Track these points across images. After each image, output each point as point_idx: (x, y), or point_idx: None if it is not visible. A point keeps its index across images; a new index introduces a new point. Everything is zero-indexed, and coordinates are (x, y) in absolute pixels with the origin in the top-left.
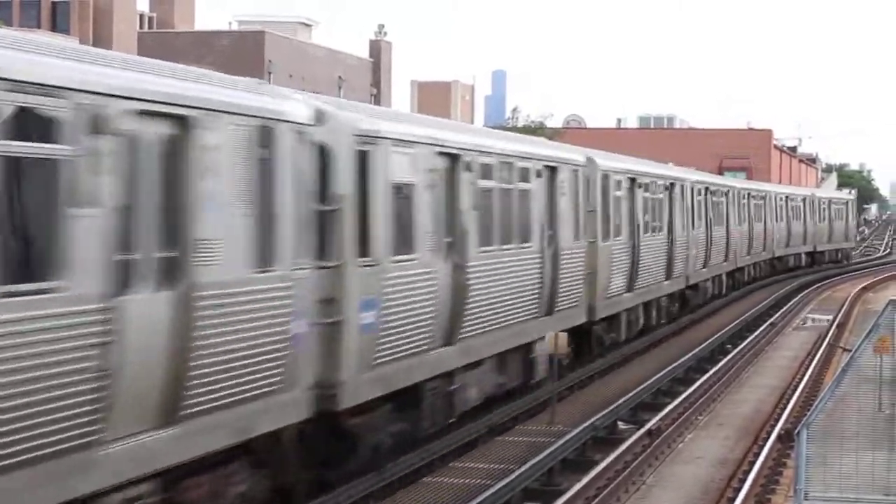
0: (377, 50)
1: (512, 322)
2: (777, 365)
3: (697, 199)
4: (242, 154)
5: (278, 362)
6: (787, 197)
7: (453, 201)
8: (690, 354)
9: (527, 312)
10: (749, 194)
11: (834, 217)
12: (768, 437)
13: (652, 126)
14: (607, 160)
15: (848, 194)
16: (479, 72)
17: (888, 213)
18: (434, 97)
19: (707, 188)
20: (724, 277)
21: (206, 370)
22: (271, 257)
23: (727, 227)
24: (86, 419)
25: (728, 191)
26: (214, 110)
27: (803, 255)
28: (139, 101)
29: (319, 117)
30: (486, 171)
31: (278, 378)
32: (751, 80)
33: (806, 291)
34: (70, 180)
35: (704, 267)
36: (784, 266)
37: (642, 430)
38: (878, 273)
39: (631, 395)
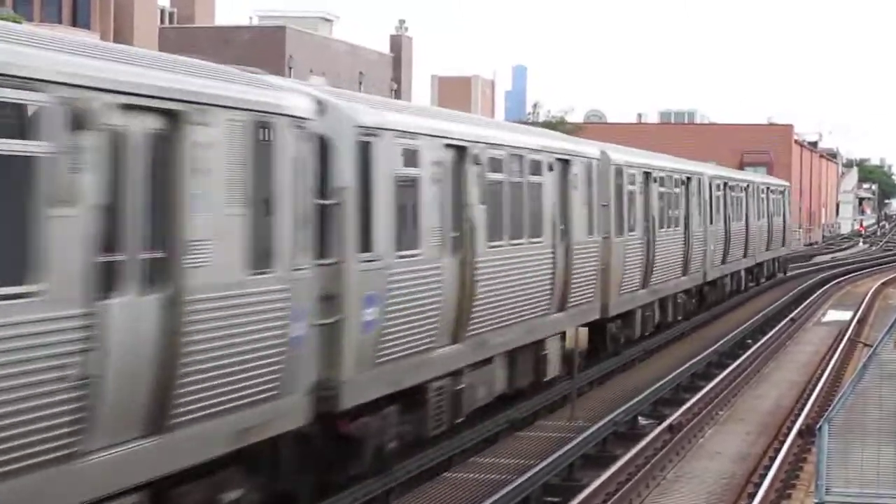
0: (398, 45)
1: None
2: (797, 360)
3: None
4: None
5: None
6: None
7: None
8: (710, 350)
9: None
10: (768, 188)
11: (773, 212)
12: (789, 433)
13: (672, 121)
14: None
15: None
16: (500, 67)
17: None
18: (454, 92)
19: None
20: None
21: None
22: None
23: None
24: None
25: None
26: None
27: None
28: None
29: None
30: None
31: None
32: (772, 74)
33: (826, 287)
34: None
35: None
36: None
37: (663, 426)
38: None
39: (651, 390)
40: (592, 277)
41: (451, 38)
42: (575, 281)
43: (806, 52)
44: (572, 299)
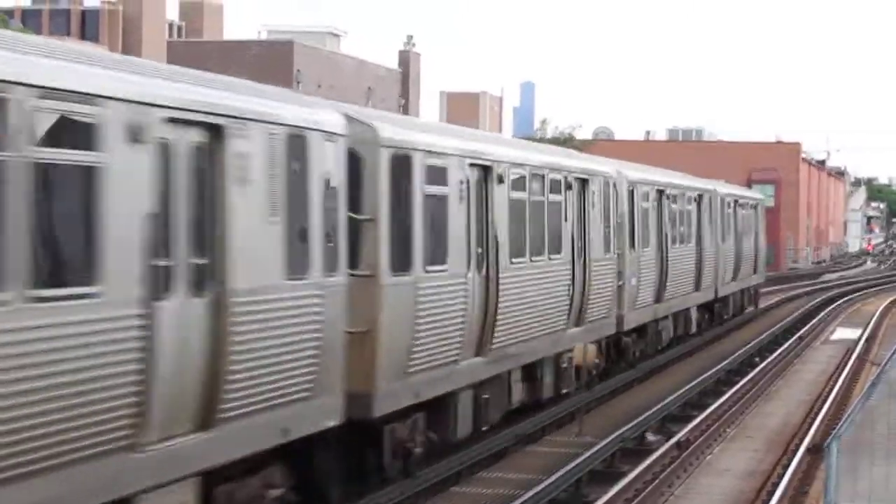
0: (406, 60)
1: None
2: (805, 378)
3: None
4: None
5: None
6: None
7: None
8: (719, 367)
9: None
10: (735, 202)
11: (741, 231)
12: (797, 450)
13: (680, 138)
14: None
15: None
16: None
17: None
18: (463, 108)
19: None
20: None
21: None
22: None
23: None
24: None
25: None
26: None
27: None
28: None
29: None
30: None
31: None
32: (780, 93)
33: (834, 305)
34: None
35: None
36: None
37: (671, 442)
38: None
39: (659, 406)
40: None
41: (460, 55)
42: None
43: (814, 71)
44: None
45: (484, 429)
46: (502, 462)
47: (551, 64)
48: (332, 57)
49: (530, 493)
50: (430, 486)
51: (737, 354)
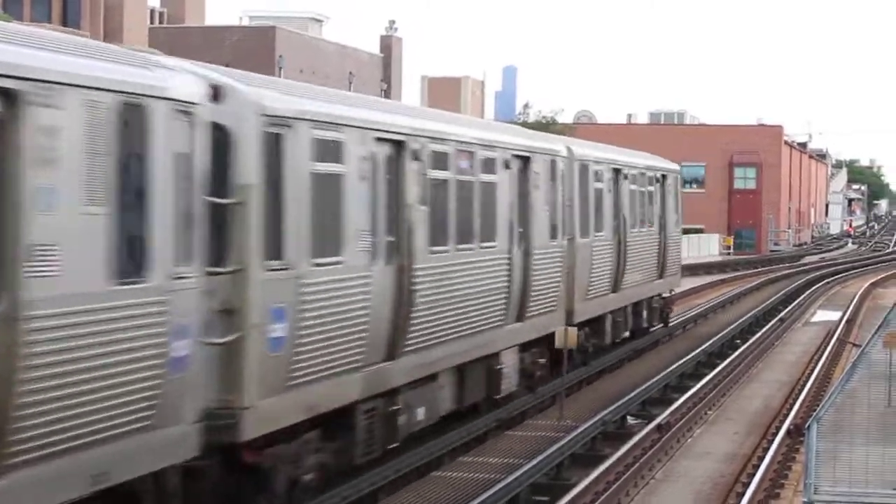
0: (388, 45)
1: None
2: (786, 360)
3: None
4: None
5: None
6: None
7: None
8: (699, 350)
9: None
10: (641, 174)
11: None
12: (777, 432)
13: (662, 122)
14: (586, 149)
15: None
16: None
17: None
18: (444, 92)
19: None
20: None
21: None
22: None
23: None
24: None
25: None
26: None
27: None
28: None
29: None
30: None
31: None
32: (762, 75)
33: (815, 287)
34: None
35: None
36: None
37: (651, 425)
38: (887, 269)
39: (640, 390)
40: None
41: (441, 39)
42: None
43: (796, 54)
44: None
45: (394, 445)
46: (483, 446)
47: (533, 48)
48: (314, 42)
49: (512, 477)
50: (412, 470)
51: (718, 336)
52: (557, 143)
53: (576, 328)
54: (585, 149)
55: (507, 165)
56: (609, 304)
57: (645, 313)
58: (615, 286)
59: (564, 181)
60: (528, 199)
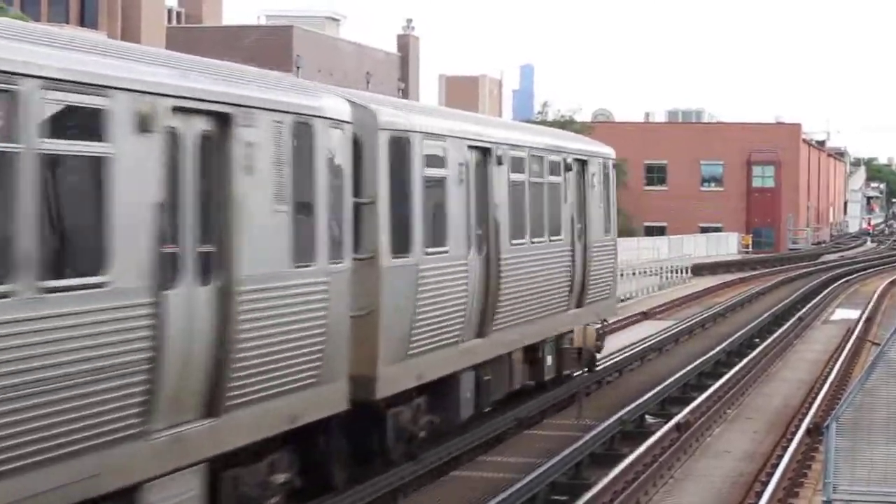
0: (405, 44)
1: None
2: (806, 359)
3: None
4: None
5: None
6: None
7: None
8: (718, 348)
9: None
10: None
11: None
12: (797, 431)
13: (680, 120)
14: (409, 114)
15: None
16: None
17: None
18: (462, 91)
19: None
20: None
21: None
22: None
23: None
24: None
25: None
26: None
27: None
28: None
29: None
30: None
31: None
32: (780, 74)
33: (834, 285)
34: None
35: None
36: None
37: (670, 424)
38: None
39: (659, 388)
40: (323, 337)
41: (459, 38)
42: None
43: (814, 52)
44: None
45: (486, 410)
46: (502, 445)
47: (551, 46)
48: (332, 41)
49: (530, 477)
50: (432, 470)
51: (737, 335)
52: (333, 101)
53: (594, 328)
54: (406, 111)
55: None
56: (466, 356)
57: (549, 359)
58: (482, 327)
59: (356, 164)
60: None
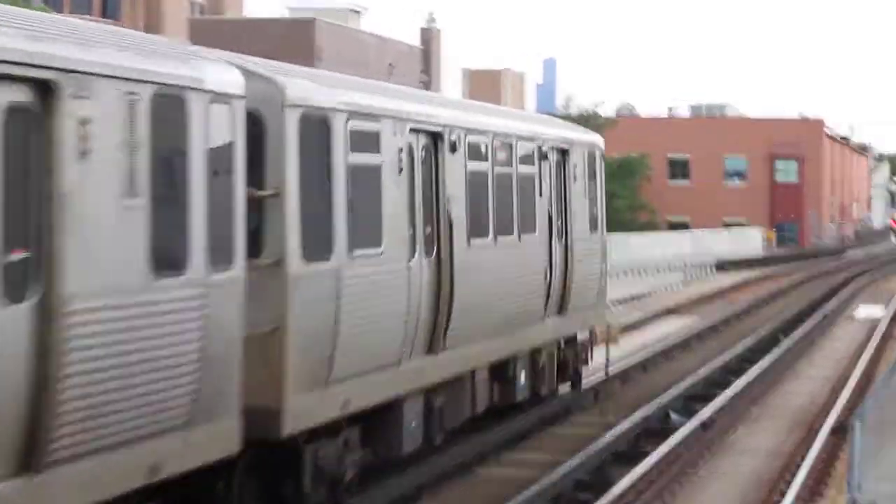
0: (427, 37)
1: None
2: (830, 356)
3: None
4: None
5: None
6: None
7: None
8: (742, 345)
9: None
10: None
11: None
12: (821, 429)
13: (704, 115)
14: (333, 89)
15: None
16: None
17: None
18: (485, 85)
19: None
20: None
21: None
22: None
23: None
24: None
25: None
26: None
27: None
28: None
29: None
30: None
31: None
32: (803, 68)
33: (858, 282)
34: None
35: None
36: None
37: (694, 422)
38: None
39: (683, 386)
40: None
41: (482, 31)
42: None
43: (838, 47)
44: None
45: (436, 443)
46: (525, 443)
47: (574, 40)
48: (354, 34)
49: (554, 475)
50: (454, 468)
51: (760, 332)
52: (209, 65)
53: (619, 326)
54: (327, 87)
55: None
56: (411, 378)
57: (522, 376)
58: (432, 343)
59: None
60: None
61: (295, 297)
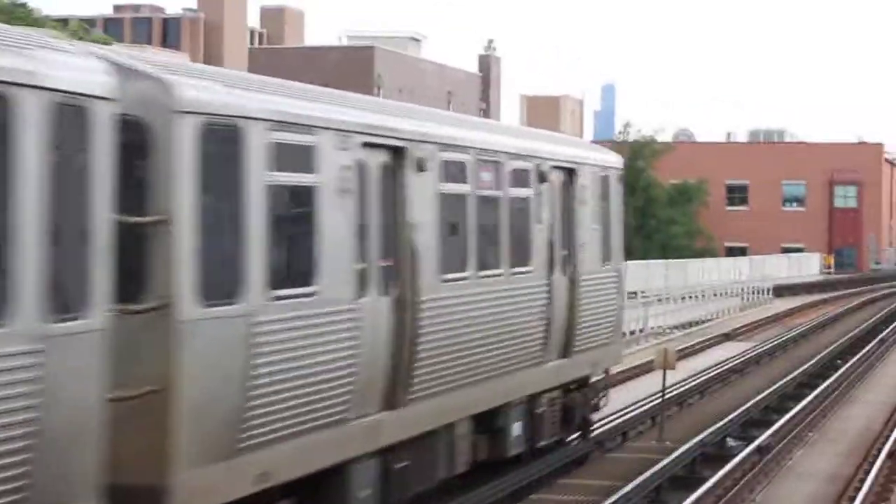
0: (486, 64)
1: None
2: (887, 382)
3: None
4: None
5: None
6: None
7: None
8: (799, 370)
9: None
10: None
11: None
12: (879, 454)
13: (762, 140)
14: (235, 89)
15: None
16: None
17: None
18: (543, 112)
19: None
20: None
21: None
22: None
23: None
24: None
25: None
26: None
27: None
28: None
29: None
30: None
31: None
32: (862, 93)
33: None
34: None
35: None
36: None
37: (752, 447)
38: None
39: (740, 411)
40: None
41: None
42: None
43: None
44: None
45: None
46: (582, 468)
47: (632, 66)
48: (413, 61)
49: (610, 500)
50: (508, 494)
51: (818, 357)
52: (57, 56)
53: (675, 350)
54: (238, 90)
55: None
56: (363, 438)
57: (516, 428)
58: (392, 396)
59: (75, 161)
60: None
61: (186, 347)
